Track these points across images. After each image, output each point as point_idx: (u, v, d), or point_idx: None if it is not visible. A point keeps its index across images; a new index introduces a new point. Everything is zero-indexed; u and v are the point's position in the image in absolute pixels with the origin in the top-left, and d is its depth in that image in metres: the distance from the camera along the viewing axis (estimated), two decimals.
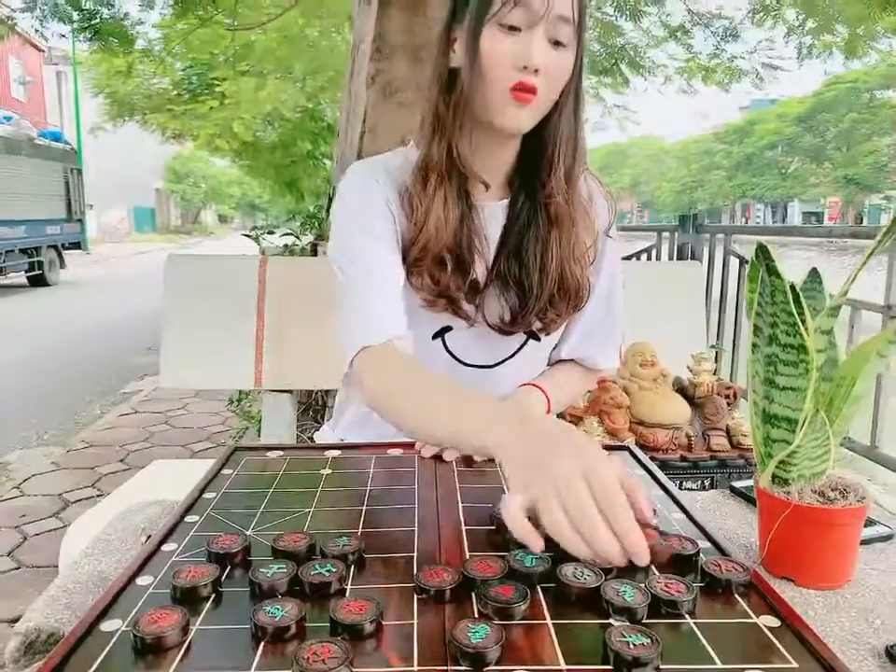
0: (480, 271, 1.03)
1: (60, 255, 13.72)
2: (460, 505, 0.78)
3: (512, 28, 0.89)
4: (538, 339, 1.10)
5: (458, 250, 0.99)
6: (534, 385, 1.11)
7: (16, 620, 2.13)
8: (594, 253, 1.07)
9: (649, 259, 3.41)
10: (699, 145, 39.65)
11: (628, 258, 3.55)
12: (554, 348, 1.18)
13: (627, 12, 4.80)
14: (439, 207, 0.97)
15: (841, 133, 29.31)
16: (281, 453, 0.97)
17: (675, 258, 3.08)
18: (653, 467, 0.89)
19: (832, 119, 29.32)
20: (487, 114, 0.93)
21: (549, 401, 1.09)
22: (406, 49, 2.19)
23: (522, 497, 0.60)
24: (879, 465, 2.24)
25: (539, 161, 1.00)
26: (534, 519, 0.59)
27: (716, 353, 2.85)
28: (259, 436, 2.38)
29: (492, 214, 1.04)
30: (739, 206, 41.01)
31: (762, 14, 5.03)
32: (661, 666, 0.51)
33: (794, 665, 0.52)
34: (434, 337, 1.07)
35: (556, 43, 0.90)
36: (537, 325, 1.06)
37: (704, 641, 0.54)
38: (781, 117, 32.28)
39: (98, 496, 3.13)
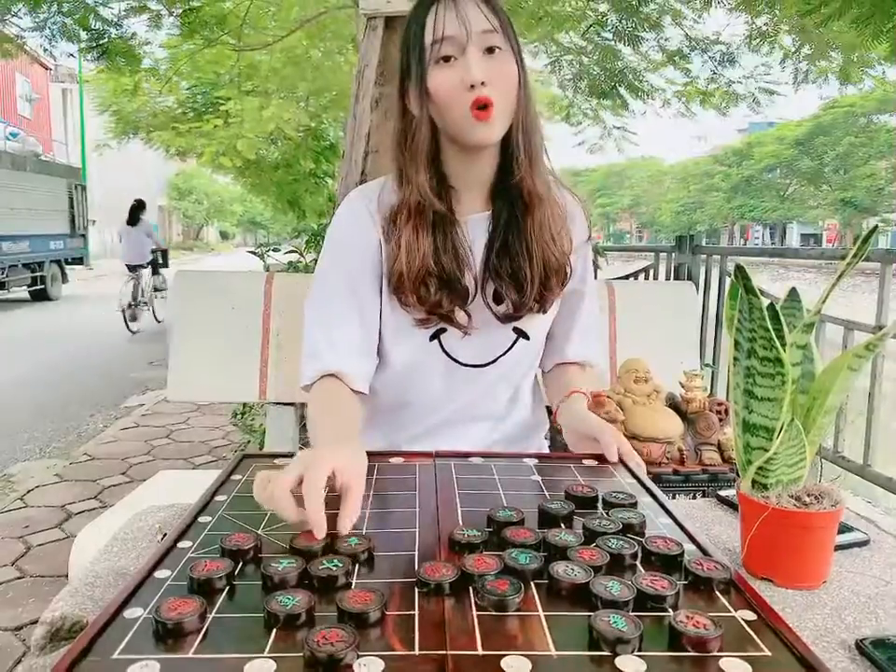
0: (469, 278, 1.11)
1: (63, 270, 13.81)
2: (459, 508, 0.82)
3: (448, 58, 1.00)
4: (527, 338, 1.20)
5: (441, 270, 1.08)
6: (578, 391, 1.25)
7: (20, 628, 2.17)
8: (566, 236, 1.16)
9: (646, 278, 3.46)
10: (698, 167, 39.83)
11: (626, 277, 3.60)
12: (549, 354, 1.30)
13: (626, 38, 4.89)
14: (409, 240, 1.07)
15: (839, 157, 29.54)
16: (288, 460, 1.01)
17: (672, 278, 3.13)
18: (643, 475, 0.94)
19: (829, 143, 29.54)
20: (459, 136, 1.03)
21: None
22: None
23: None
24: (870, 482, 2.28)
25: (506, 152, 1.08)
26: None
27: (712, 372, 2.88)
28: (262, 449, 2.41)
29: (476, 224, 1.13)
30: (738, 228, 41.17)
31: (758, 40, 5.12)
32: (646, 653, 0.55)
33: (768, 653, 0.56)
34: (431, 339, 1.17)
35: (490, 50, 1.00)
36: (535, 307, 1.14)
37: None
38: (779, 140, 32.50)
39: (101, 507, 3.16)
